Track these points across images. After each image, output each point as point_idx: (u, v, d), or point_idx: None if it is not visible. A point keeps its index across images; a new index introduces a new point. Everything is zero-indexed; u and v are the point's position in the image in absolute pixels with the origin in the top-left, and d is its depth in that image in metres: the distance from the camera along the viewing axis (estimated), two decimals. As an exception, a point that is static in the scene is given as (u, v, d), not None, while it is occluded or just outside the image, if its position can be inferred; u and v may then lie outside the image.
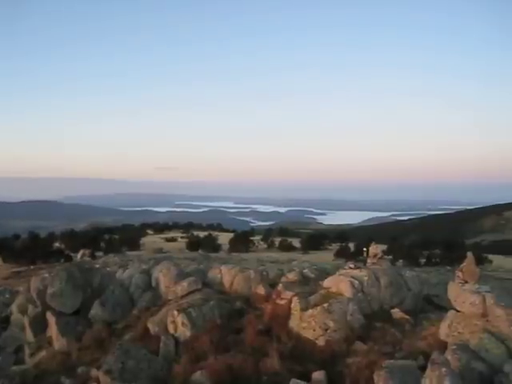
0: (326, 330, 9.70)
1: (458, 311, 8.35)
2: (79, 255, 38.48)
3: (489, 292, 7.94)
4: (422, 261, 41.51)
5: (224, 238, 56.67)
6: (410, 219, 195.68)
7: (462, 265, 8.77)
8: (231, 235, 60.09)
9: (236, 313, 11.89)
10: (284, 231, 79.24)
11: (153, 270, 14.95)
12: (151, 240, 61.82)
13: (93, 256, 38.37)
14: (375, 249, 12.36)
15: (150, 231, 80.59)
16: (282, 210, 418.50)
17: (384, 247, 45.66)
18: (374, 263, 12.12)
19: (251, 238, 58.56)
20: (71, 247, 46.59)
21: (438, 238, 53.48)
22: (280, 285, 12.43)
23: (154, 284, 14.31)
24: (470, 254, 8.82)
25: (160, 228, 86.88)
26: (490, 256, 43.67)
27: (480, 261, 39.60)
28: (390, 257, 42.52)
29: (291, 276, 13.29)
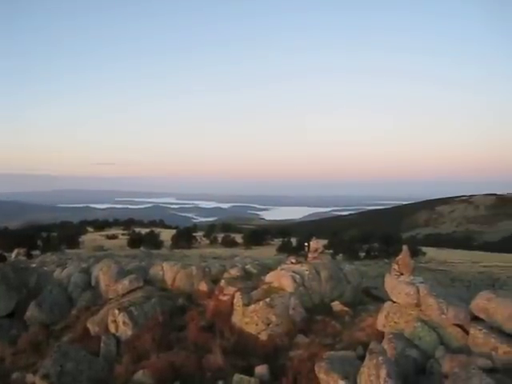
0: (269, 324, 9.82)
1: (394, 302, 8.70)
2: (13, 254, 36.70)
3: (422, 283, 8.33)
4: (362, 254, 42.74)
5: (166, 235, 55.86)
6: (349, 214, 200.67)
7: (397, 258, 9.13)
8: (173, 232, 59.34)
9: (178, 310, 11.80)
10: (227, 227, 79.15)
11: (93, 268, 14.56)
12: (91, 238, 59.95)
13: (29, 255, 36.71)
14: (316, 244, 12.62)
15: (89, 228, 78.02)
16: (225, 205, 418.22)
17: (325, 242, 46.73)
18: (314, 258, 12.38)
19: (194, 235, 58.10)
20: (5, 246, 44.38)
21: (376, 233, 55.27)
22: (222, 281, 12.46)
23: (93, 283, 13.94)
24: (405, 248, 9.19)
25: (100, 225, 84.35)
26: (424, 249, 45.57)
27: (415, 253, 41.29)
28: (331, 251, 43.53)
29: (233, 272, 13.36)
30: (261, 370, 8.27)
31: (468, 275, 27.92)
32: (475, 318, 7.52)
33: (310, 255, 12.81)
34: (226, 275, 13.29)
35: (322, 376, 6.90)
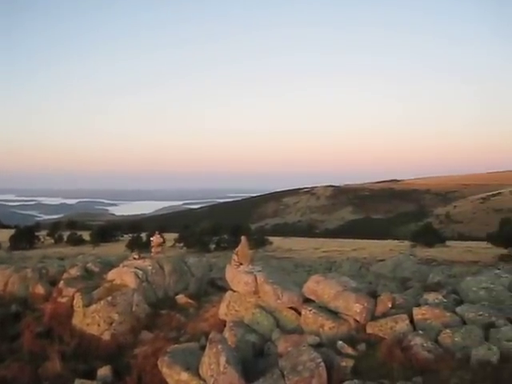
0: (111, 323, 9.55)
1: (234, 291, 9.03)
2: None
3: (260, 271, 8.78)
4: (212, 246, 43.50)
5: (4, 235, 50.80)
6: (201, 207, 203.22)
7: (236, 249, 9.48)
8: (12, 231, 54.09)
9: (12, 317, 10.89)
10: (73, 224, 74.36)
11: None
12: None
13: None
14: (158, 238, 12.55)
15: None
16: (71, 201, 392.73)
17: (176, 235, 46.64)
18: (158, 252, 12.30)
19: (36, 234, 53.65)
20: None
21: (226, 224, 56.67)
22: (61, 282, 11.74)
23: None
24: (243, 239, 9.58)
25: None
26: (272, 238, 47.95)
27: (262, 243, 43.29)
28: (182, 244, 43.58)
29: (73, 272, 12.65)
30: (103, 371, 8.03)
31: (310, 261, 30.11)
32: (307, 300, 8.16)
33: (153, 250, 12.70)
34: (65, 276, 12.53)
35: (164, 370, 6.92)
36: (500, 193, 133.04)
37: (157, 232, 13.14)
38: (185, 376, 6.60)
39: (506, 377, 5.52)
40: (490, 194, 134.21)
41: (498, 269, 14.40)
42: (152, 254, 12.42)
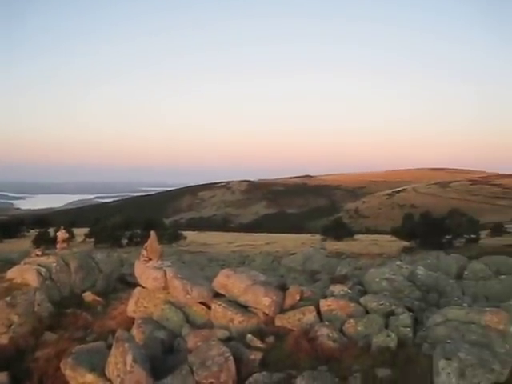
0: (10, 325, 8.94)
1: (143, 287, 8.82)
2: None
3: (169, 267, 8.65)
4: (125, 241, 42.31)
5: None
6: (114, 201, 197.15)
7: (145, 244, 9.26)
8: None
9: None
10: (-28, 220, 69.00)
11: None
12: None
13: None
14: (63, 233, 11.97)
15: None
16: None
17: (87, 230, 44.78)
18: (63, 248, 11.72)
19: None
20: None
21: (139, 219, 55.34)
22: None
23: None
24: (152, 234, 9.39)
25: None
26: (186, 232, 47.55)
27: (176, 238, 42.81)
28: (92, 240, 41.96)
29: (-34, 272, 11.70)
30: (0, 378, 7.47)
31: (223, 255, 30.24)
32: (218, 295, 8.16)
33: (58, 246, 12.09)
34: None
35: (68, 373, 6.61)
36: (404, 189, 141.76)
37: (62, 227, 12.50)
38: (90, 377, 6.34)
39: (403, 360, 5.91)
40: (396, 190, 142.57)
41: (400, 260, 15.34)
42: (57, 250, 11.80)
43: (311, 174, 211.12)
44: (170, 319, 7.93)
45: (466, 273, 11.45)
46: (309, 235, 51.29)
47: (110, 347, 7.13)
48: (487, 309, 6.59)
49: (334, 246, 35.64)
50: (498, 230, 45.35)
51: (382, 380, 5.55)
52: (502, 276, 10.98)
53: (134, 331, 7.48)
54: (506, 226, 50.77)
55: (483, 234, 39.37)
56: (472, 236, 34.12)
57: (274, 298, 7.64)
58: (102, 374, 6.36)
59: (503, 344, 5.85)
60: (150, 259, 8.98)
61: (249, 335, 6.94)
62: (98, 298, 10.31)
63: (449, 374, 4.94)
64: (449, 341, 5.56)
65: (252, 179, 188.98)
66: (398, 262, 10.58)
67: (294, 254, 23.83)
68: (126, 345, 6.25)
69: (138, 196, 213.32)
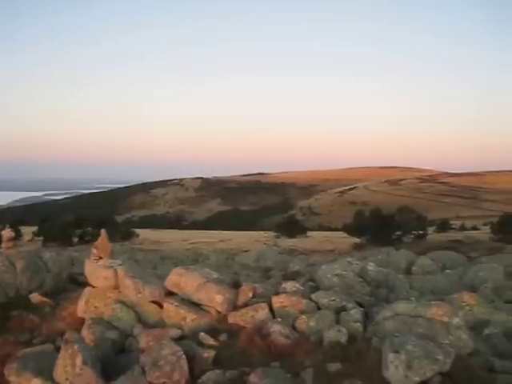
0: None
1: (94, 287, 8.63)
2: None
3: (120, 265, 8.50)
4: (76, 240, 41.27)
5: None
6: (64, 198, 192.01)
7: (96, 242, 9.08)
8: None
9: None
10: None
11: None
12: None
13: None
14: (8, 232, 11.55)
15: None
16: None
17: (35, 229, 43.36)
18: (8, 248, 11.29)
19: None
20: None
21: (91, 216, 54.11)
22: None
23: None
24: (103, 232, 9.21)
25: None
26: (139, 230, 46.86)
27: (128, 236, 42.13)
28: (41, 238, 40.69)
29: None
30: None
31: (177, 253, 30.04)
32: (170, 293, 8.10)
33: (3, 246, 11.64)
34: None
35: (12, 379, 6.32)
36: (356, 187, 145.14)
37: (7, 225, 12.06)
38: (36, 382, 6.10)
39: (353, 354, 6.05)
40: (347, 188, 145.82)
41: (351, 256, 15.69)
42: (2, 250, 11.34)
43: (264, 172, 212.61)
44: (121, 319, 7.79)
45: (414, 268, 11.89)
46: (262, 232, 51.71)
47: (58, 350, 6.92)
48: (433, 302, 6.89)
49: (287, 242, 36.08)
50: (444, 226, 47.38)
51: (333, 374, 5.68)
52: (448, 270, 11.50)
53: (84, 332, 7.30)
54: (451, 222, 53.11)
55: (430, 230, 40.95)
56: (420, 232, 35.34)
57: (227, 295, 7.65)
58: (49, 377, 6.15)
59: (447, 335, 6.13)
60: (101, 258, 8.81)
61: (201, 333, 6.91)
62: (45, 299, 9.94)
63: (397, 366, 5.09)
64: (397, 334, 5.73)
65: (206, 176, 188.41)
66: (349, 259, 10.81)
67: (247, 251, 23.96)
68: (76, 346, 6.08)
69: (89, 193, 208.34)
